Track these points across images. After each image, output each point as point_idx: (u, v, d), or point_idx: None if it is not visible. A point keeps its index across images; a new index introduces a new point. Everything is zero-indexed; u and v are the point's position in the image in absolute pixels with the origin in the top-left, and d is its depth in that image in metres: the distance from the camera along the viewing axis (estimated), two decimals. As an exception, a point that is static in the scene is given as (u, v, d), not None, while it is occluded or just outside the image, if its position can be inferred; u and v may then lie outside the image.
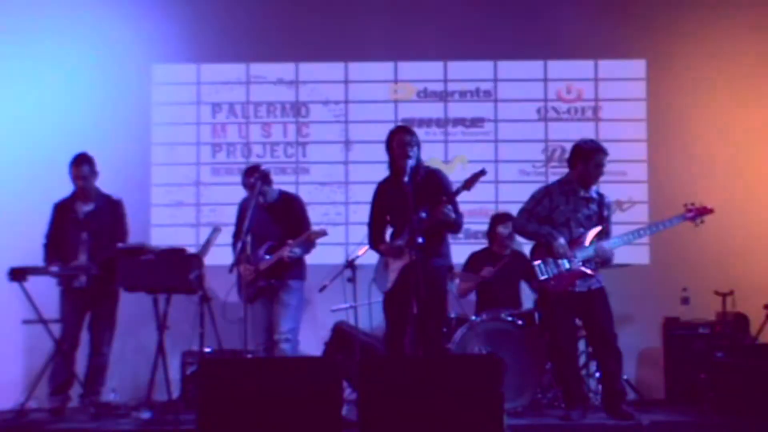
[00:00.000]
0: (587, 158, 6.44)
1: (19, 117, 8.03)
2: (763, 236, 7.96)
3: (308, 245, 6.81)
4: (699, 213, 6.51)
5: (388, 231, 6.40)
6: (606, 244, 6.40)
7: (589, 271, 6.37)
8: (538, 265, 6.42)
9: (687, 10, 8.15)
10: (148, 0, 8.16)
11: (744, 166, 8.04)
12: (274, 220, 6.84)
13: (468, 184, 6.04)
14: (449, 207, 6.05)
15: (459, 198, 6.17)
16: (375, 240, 6.38)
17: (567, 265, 6.37)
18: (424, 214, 6.05)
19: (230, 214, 7.11)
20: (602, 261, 6.42)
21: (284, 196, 6.99)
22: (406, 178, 6.11)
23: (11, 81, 8.09)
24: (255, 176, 6.77)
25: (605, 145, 6.56)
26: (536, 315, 7.12)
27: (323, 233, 6.73)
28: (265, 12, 8.15)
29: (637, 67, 8.14)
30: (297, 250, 6.73)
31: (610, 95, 8.15)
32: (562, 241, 6.35)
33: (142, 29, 8.11)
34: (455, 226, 6.21)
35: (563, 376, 6.51)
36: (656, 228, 6.62)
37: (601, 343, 6.45)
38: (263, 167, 6.88)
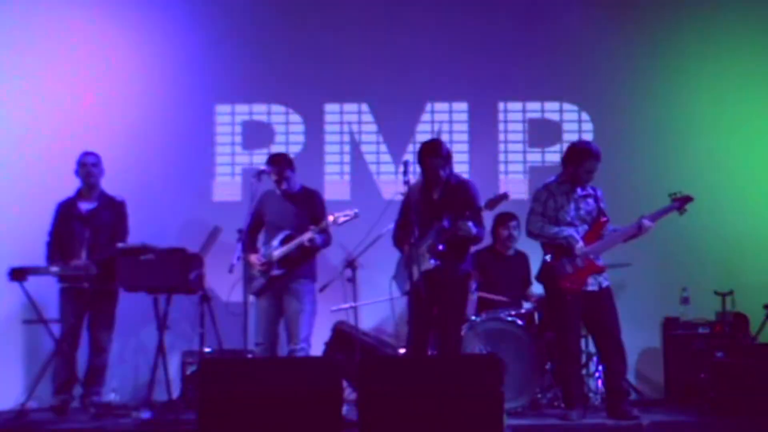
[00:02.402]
0: (578, 163, 6.49)
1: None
2: (762, 236, 7.95)
3: (328, 236, 6.73)
4: (683, 202, 6.50)
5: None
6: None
7: (601, 265, 6.43)
8: (557, 266, 6.45)
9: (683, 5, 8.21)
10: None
11: (744, 166, 8.04)
12: (294, 210, 6.77)
13: (490, 204, 6.21)
14: (469, 223, 6.15)
15: None
16: (400, 239, 6.43)
17: (580, 263, 6.41)
18: (447, 223, 6.19)
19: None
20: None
21: (305, 189, 6.93)
22: (435, 195, 6.30)
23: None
24: (277, 166, 6.72)
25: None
26: (536, 315, 7.13)
27: (354, 215, 6.60)
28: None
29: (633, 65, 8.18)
30: (318, 239, 6.66)
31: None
32: (581, 243, 6.41)
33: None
34: (476, 239, 6.34)
35: (566, 375, 6.50)
36: (654, 219, 6.49)
37: (609, 342, 6.46)
38: (274, 163, 6.79)
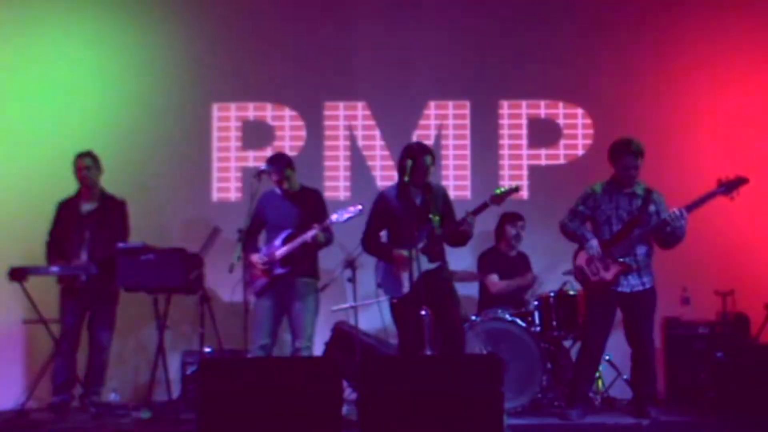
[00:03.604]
0: (616, 159, 6.47)
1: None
2: (763, 236, 7.95)
3: (330, 234, 6.68)
4: (734, 186, 6.36)
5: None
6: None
7: (633, 265, 6.38)
8: (581, 268, 6.48)
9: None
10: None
11: (744, 165, 8.02)
12: (296, 210, 6.72)
13: (498, 198, 6.17)
14: (473, 220, 6.15)
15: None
16: (373, 245, 6.41)
17: (600, 262, 6.41)
18: (438, 227, 6.19)
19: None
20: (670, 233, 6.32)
21: (306, 188, 6.89)
22: (417, 199, 6.27)
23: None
24: (277, 165, 6.69)
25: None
26: (536, 315, 7.12)
27: (359, 212, 6.51)
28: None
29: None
30: (321, 236, 6.61)
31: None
32: (594, 242, 6.40)
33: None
34: (468, 239, 6.33)
35: (577, 372, 6.53)
36: (690, 208, 6.32)
37: (637, 348, 6.49)
38: (275, 163, 6.75)
